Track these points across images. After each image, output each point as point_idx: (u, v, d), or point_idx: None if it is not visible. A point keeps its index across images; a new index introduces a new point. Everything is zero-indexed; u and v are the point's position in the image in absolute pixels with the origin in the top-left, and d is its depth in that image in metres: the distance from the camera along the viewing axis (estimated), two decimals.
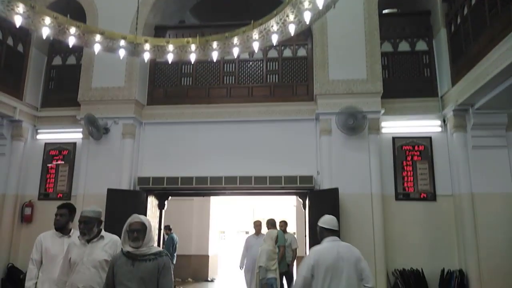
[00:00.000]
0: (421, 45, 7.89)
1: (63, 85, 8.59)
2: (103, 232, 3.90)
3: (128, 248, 3.16)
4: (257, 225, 8.20)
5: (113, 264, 3.24)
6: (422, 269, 6.79)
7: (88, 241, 3.75)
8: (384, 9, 8.39)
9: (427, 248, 7.00)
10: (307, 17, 4.54)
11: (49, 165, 8.16)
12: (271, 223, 7.55)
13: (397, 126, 7.52)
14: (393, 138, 7.47)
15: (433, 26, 7.83)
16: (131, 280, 3.07)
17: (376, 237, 6.83)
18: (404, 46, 7.92)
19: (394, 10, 9.01)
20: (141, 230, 3.18)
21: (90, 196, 7.51)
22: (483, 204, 6.74)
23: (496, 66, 5.53)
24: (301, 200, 8.01)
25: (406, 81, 7.74)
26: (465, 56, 6.67)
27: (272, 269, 6.38)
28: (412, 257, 6.95)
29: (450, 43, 7.31)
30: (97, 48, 5.40)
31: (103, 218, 4.05)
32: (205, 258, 12.40)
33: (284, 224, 7.61)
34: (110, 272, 3.22)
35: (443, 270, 6.77)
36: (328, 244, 3.71)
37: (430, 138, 7.42)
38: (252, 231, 8.29)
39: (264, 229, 8.16)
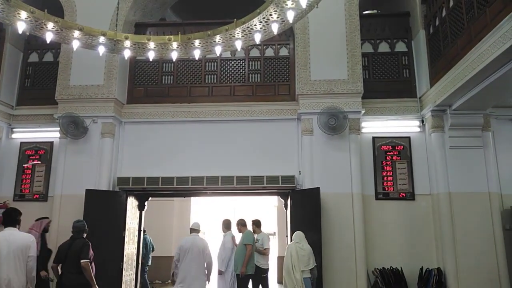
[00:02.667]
0: (400, 46, 8.02)
1: (40, 83, 8.38)
2: None
3: None
4: (226, 223, 7.75)
5: None
6: (401, 268, 6.89)
7: None
8: (365, 10, 8.50)
9: (406, 247, 7.11)
10: (290, 16, 4.56)
11: (25, 165, 7.92)
12: (241, 224, 7.48)
13: (377, 126, 7.62)
14: (373, 138, 7.57)
15: (412, 27, 7.97)
16: None
17: (357, 236, 6.90)
18: (384, 47, 8.03)
19: (374, 11, 9.14)
20: None
21: (67, 197, 7.35)
22: (460, 203, 6.89)
23: (473, 68, 5.67)
24: (282, 200, 8.01)
25: (385, 82, 7.85)
26: (443, 57, 6.81)
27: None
28: (391, 256, 7.05)
29: (428, 45, 7.45)
30: (75, 44, 5.29)
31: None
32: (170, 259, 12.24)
33: (257, 223, 7.53)
34: None
35: (421, 269, 6.89)
36: (189, 237, 6.40)
37: (409, 138, 7.55)
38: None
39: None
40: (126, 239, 7.42)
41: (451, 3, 6.53)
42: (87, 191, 7.10)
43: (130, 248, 7.62)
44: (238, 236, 7.43)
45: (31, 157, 7.97)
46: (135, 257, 7.78)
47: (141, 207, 8.19)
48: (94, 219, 6.81)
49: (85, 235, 5.36)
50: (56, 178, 7.56)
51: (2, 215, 4.48)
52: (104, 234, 6.73)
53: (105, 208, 7.14)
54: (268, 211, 12.96)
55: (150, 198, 8.32)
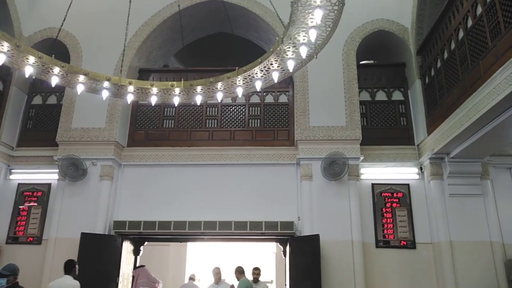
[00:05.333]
0: (397, 95, 8.22)
1: (42, 125, 8.47)
2: None
3: None
4: (216, 273, 7.81)
5: None
6: None
7: None
8: (362, 60, 8.78)
9: None
10: (290, 65, 4.71)
11: (21, 206, 7.83)
12: (239, 271, 7.31)
13: (376, 173, 7.64)
14: (372, 185, 7.56)
15: (408, 77, 8.21)
16: None
17: (357, 285, 6.71)
18: (381, 96, 8.23)
19: (371, 62, 9.45)
20: None
21: (62, 240, 7.21)
22: (462, 252, 6.77)
23: (469, 117, 5.78)
24: (281, 246, 7.86)
25: (383, 129, 7.97)
26: (439, 106, 6.96)
27: None
28: None
29: (425, 94, 7.64)
30: (80, 88, 5.40)
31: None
32: None
33: (256, 271, 7.31)
34: None
35: None
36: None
37: (408, 185, 7.54)
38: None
39: (226, 277, 7.91)
40: (120, 285, 7.19)
41: (446, 55, 6.77)
42: (83, 234, 6.97)
43: None
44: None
45: (27, 199, 7.90)
46: None
47: (136, 252, 8.01)
48: (88, 263, 6.67)
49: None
50: (52, 221, 7.46)
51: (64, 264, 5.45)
52: (98, 280, 6.55)
53: (100, 253, 6.99)
54: (266, 257, 12.64)
55: (146, 243, 8.16)
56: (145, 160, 7.95)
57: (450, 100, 6.52)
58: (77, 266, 5.57)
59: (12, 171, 8.09)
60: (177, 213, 7.50)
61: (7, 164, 8.05)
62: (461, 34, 6.21)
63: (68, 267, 5.45)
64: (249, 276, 7.28)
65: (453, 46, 6.49)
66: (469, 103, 5.76)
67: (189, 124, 8.29)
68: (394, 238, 7.23)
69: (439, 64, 7.04)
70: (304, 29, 4.25)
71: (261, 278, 7.58)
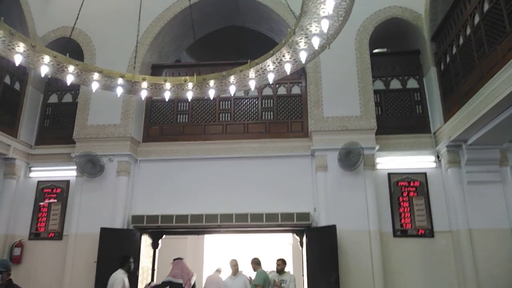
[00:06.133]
0: (412, 83, 8.09)
1: (58, 123, 8.61)
2: None
3: None
4: (234, 265, 7.84)
5: None
6: None
7: None
8: (375, 49, 8.66)
9: (427, 286, 6.85)
10: (303, 56, 4.68)
11: (41, 203, 8.01)
12: (256, 262, 7.35)
13: (392, 162, 7.57)
14: (389, 174, 7.50)
15: (423, 64, 8.07)
16: None
17: (376, 274, 6.70)
18: (395, 84, 8.12)
19: (384, 50, 9.32)
20: None
21: (82, 236, 7.37)
22: (482, 240, 6.68)
23: (486, 103, 5.66)
24: (298, 237, 7.88)
25: (399, 118, 7.87)
26: (456, 93, 6.84)
27: None
28: None
29: (440, 81, 7.51)
30: (94, 86, 5.46)
31: None
32: None
33: (281, 263, 7.32)
34: None
35: None
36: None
37: (425, 174, 7.46)
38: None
39: (244, 269, 7.97)
40: (140, 278, 7.32)
41: (461, 41, 6.63)
42: (102, 229, 7.10)
43: None
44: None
45: (47, 196, 8.07)
46: None
47: (154, 245, 8.13)
48: (108, 257, 6.81)
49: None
50: (72, 217, 7.62)
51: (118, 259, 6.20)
52: None
53: (119, 247, 7.10)
54: (282, 249, 12.69)
55: (164, 236, 8.28)
56: (160, 155, 8.03)
57: (466, 86, 6.40)
58: (131, 260, 6.21)
59: (32, 169, 8.27)
60: (193, 206, 7.57)
61: (27, 162, 8.23)
62: (477, 18, 6.06)
63: (121, 262, 6.15)
64: (265, 268, 7.33)
65: (468, 31, 6.35)
66: (486, 89, 5.64)
67: (202, 118, 8.33)
68: (411, 227, 7.18)
69: (454, 50, 6.91)
70: (316, 20, 4.20)
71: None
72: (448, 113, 7.13)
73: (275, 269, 7.33)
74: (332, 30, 4.43)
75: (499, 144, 6.88)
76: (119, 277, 5.91)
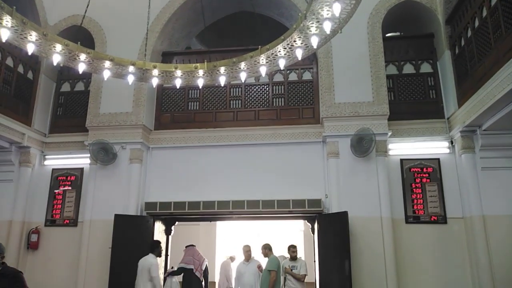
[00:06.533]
0: (425, 67, 7.94)
1: (71, 111, 8.70)
2: None
3: None
4: (247, 250, 7.95)
5: None
6: None
7: None
8: (388, 33, 8.50)
9: (439, 272, 6.84)
10: (314, 41, 4.62)
11: (56, 191, 8.15)
12: (267, 248, 7.42)
13: (404, 148, 7.48)
14: (401, 160, 7.43)
15: (437, 48, 7.91)
16: None
17: (387, 261, 6.69)
18: (408, 69, 7.98)
19: (397, 34, 9.14)
20: None
21: (97, 222, 7.49)
22: (495, 226, 6.60)
23: (502, 88, 5.54)
24: (309, 224, 7.91)
25: (412, 103, 7.76)
26: (470, 77, 6.70)
27: None
28: (424, 282, 6.81)
29: (454, 65, 7.36)
30: (106, 74, 5.49)
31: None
32: (212, 285, 12.16)
33: (293, 249, 7.37)
34: None
35: None
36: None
37: (439, 160, 7.37)
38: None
39: (256, 255, 8.05)
40: None
41: (477, 23, 6.47)
42: (116, 216, 7.21)
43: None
44: (264, 261, 7.37)
45: (62, 183, 8.20)
46: (162, 282, 7.78)
47: (168, 232, 8.23)
48: (122, 243, 6.95)
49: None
50: (86, 204, 7.74)
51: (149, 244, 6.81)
52: (132, 259, 6.76)
53: (133, 233, 7.22)
54: (294, 235, 12.77)
55: (176, 223, 8.37)
56: (172, 142, 8.07)
57: (482, 70, 6.26)
58: (160, 246, 6.78)
59: (46, 157, 8.39)
60: (205, 193, 7.63)
61: (41, 151, 8.35)
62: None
63: (151, 247, 6.65)
64: (276, 253, 7.38)
65: (485, 13, 6.17)
66: (502, 73, 5.51)
67: (213, 106, 8.33)
68: (424, 213, 7.13)
69: (469, 33, 6.74)
70: (327, 4, 4.14)
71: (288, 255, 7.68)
72: (462, 98, 7.00)
73: (286, 255, 7.38)
74: (344, 14, 4.36)
75: None
76: (154, 261, 6.40)
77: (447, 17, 7.47)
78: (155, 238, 7.53)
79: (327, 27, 4.36)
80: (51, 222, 8.02)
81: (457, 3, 7.08)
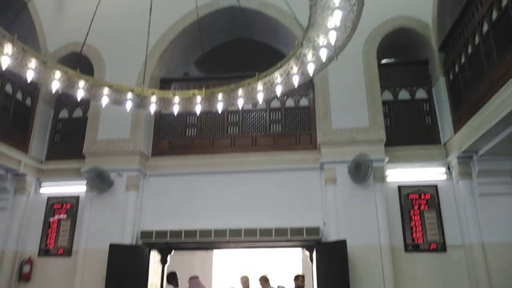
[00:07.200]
0: (420, 93, 8.04)
1: (68, 138, 8.68)
2: None
3: None
4: (244, 281, 7.81)
5: None
6: None
7: None
8: (383, 59, 8.65)
9: None
10: (310, 69, 4.67)
11: (51, 219, 8.02)
12: (264, 280, 7.27)
13: (402, 174, 7.47)
14: (399, 187, 7.39)
15: (432, 74, 8.03)
16: None
17: None
18: (404, 95, 8.07)
19: (392, 60, 9.30)
20: None
21: (91, 252, 7.34)
22: (495, 254, 6.52)
23: (497, 113, 5.59)
24: (307, 252, 7.77)
25: (408, 129, 7.80)
26: (465, 103, 6.77)
27: None
28: None
29: (449, 91, 7.45)
30: (104, 101, 5.49)
31: None
32: None
33: (301, 278, 7.18)
34: None
35: None
36: None
37: (436, 186, 7.34)
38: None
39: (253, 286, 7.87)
40: None
41: (470, 50, 6.59)
42: (111, 245, 7.06)
43: None
44: None
45: (57, 211, 8.08)
46: None
47: (163, 261, 8.06)
48: (117, 274, 6.79)
49: None
50: (81, 232, 7.60)
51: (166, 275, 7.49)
52: None
53: (128, 263, 7.07)
54: (292, 264, 12.52)
55: (173, 252, 8.21)
56: (169, 169, 8.03)
57: (476, 96, 6.34)
58: (177, 276, 7.25)
59: (42, 184, 8.31)
60: (202, 221, 7.52)
61: (37, 178, 8.28)
62: (485, 27, 6.04)
63: (169, 278, 7.23)
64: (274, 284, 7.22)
65: (477, 40, 6.31)
66: (496, 99, 5.58)
67: (211, 132, 8.34)
68: (423, 241, 7.03)
69: (463, 60, 6.86)
70: (323, 32, 4.21)
71: (288, 286, 7.50)
72: (458, 123, 7.05)
73: (285, 286, 7.20)
74: (339, 42, 4.43)
75: (511, 154, 6.76)
76: None
77: (440, 44, 7.62)
78: (150, 268, 7.37)
79: (323, 54, 4.42)
80: (44, 252, 7.85)
81: (450, 30, 7.24)
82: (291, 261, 12.72)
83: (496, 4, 5.65)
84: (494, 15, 5.76)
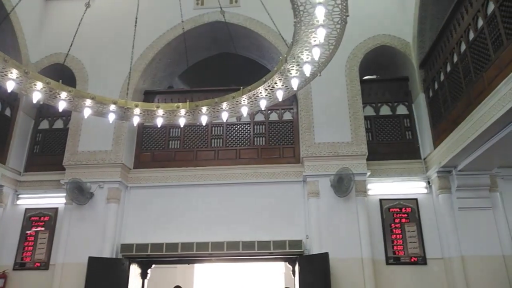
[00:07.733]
0: (401, 109, 8.22)
1: (49, 149, 8.52)
2: None
3: None
4: None
5: None
6: None
7: None
8: (365, 76, 8.83)
9: None
10: (294, 84, 4.74)
11: (28, 232, 7.81)
12: None
13: (383, 188, 7.57)
14: (380, 200, 7.48)
15: (412, 91, 8.22)
16: None
17: None
18: (385, 110, 8.23)
19: (374, 77, 9.50)
20: None
21: (69, 265, 7.17)
22: (474, 267, 6.62)
23: (475, 129, 5.75)
24: (290, 266, 7.76)
25: (389, 144, 7.95)
26: (445, 119, 6.94)
27: None
28: None
29: (429, 107, 7.63)
30: (87, 112, 5.44)
31: None
32: None
33: None
34: None
35: None
36: None
37: (417, 200, 7.46)
38: None
39: None
40: None
41: (449, 68, 6.79)
42: (90, 258, 6.92)
43: None
44: None
45: (35, 224, 7.87)
46: None
47: (143, 276, 7.91)
48: None
49: None
50: (59, 245, 7.43)
51: None
52: None
53: (107, 277, 6.92)
54: (275, 277, 12.46)
55: (153, 266, 8.08)
56: (151, 181, 7.95)
57: (455, 113, 6.51)
58: None
59: (20, 196, 8.11)
60: (184, 234, 7.45)
61: (15, 190, 8.08)
62: (463, 47, 6.24)
63: None
64: None
65: (455, 59, 6.52)
66: (474, 116, 5.75)
67: (194, 144, 8.32)
68: (404, 254, 7.11)
69: (442, 77, 7.06)
70: (307, 48, 4.30)
71: None
72: (437, 139, 7.22)
73: None
74: (323, 58, 4.52)
75: (488, 169, 6.95)
76: None
77: (420, 62, 7.83)
78: (130, 283, 7.23)
79: (307, 70, 4.50)
80: (20, 265, 7.61)
81: (430, 48, 7.46)
82: (274, 275, 12.67)
83: (473, 25, 5.86)
84: (471, 35, 5.97)
